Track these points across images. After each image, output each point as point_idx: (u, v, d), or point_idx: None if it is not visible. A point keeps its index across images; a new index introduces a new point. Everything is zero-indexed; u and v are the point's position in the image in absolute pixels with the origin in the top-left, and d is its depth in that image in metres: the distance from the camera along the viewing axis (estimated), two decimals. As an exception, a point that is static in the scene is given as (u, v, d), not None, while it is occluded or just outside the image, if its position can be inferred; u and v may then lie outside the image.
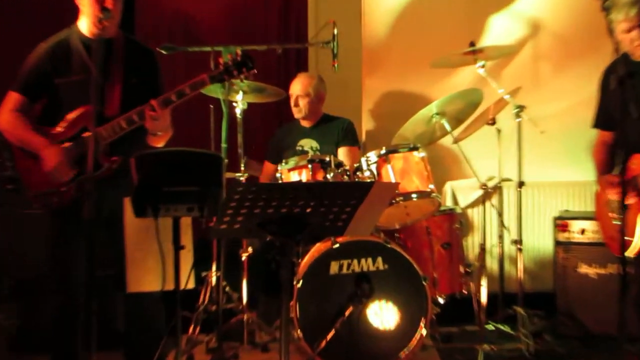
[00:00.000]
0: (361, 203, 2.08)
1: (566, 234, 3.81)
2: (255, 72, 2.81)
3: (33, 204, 2.82)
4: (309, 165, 3.27)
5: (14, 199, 3.17)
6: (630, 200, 2.85)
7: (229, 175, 3.48)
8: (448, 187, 4.33)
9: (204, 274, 3.61)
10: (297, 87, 3.97)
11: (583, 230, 3.76)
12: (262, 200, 1.97)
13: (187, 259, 2.47)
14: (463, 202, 4.29)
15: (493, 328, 3.61)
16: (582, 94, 3.95)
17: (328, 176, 3.24)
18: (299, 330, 2.98)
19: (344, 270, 3.04)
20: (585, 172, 3.84)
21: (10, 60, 2.97)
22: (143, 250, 2.55)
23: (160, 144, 2.87)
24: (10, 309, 3.59)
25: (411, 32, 4.43)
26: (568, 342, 3.60)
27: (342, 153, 3.91)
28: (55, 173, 2.70)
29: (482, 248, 3.63)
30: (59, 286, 2.82)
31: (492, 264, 4.00)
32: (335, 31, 3.37)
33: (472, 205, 4.28)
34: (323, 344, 2.91)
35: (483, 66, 3.66)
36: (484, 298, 3.46)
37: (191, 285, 2.59)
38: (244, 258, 3.55)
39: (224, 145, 3.35)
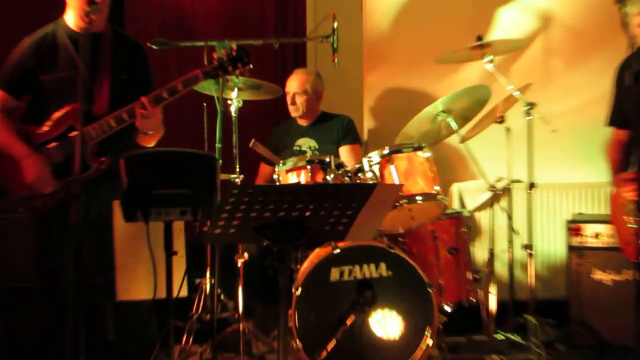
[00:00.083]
0: (363, 206, 2.07)
1: (579, 238, 3.76)
2: (251, 67, 2.80)
3: (17, 208, 2.87)
4: (308, 166, 3.23)
5: (-3, 202, 3.20)
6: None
7: (223, 177, 3.44)
8: (455, 189, 4.30)
9: (197, 281, 3.58)
10: (294, 84, 3.96)
11: (597, 234, 3.71)
12: (258, 203, 1.96)
13: (179, 265, 2.46)
14: (471, 204, 4.26)
15: (503, 338, 3.56)
16: (596, 91, 3.98)
17: (328, 178, 3.20)
18: (298, 341, 2.94)
19: (345, 277, 3.01)
20: (599, 172, 3.86)
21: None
22: (133, 257, 2.54)
23: (151, 144, 2.87)
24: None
25: (415, 25, 4.40)
26: (582, 352, 3.58)
27: (344, 152, 3.91)
28: (37, 185, 2.69)
29: (491, 253, 3.58)
30: (45, 295, 2.81)
31: (501, 270, 3.96)
32: (335, 25, 3.35)
33: (480, 208, 4.24)
34: (323, 354, 2.89)
35: (491, 61, 3.62)
36: (493, 306, 3.42)
37: (184, 293, 2.59)
38: (239, 264, 3.50)
39: (218, 145, 3.31)
